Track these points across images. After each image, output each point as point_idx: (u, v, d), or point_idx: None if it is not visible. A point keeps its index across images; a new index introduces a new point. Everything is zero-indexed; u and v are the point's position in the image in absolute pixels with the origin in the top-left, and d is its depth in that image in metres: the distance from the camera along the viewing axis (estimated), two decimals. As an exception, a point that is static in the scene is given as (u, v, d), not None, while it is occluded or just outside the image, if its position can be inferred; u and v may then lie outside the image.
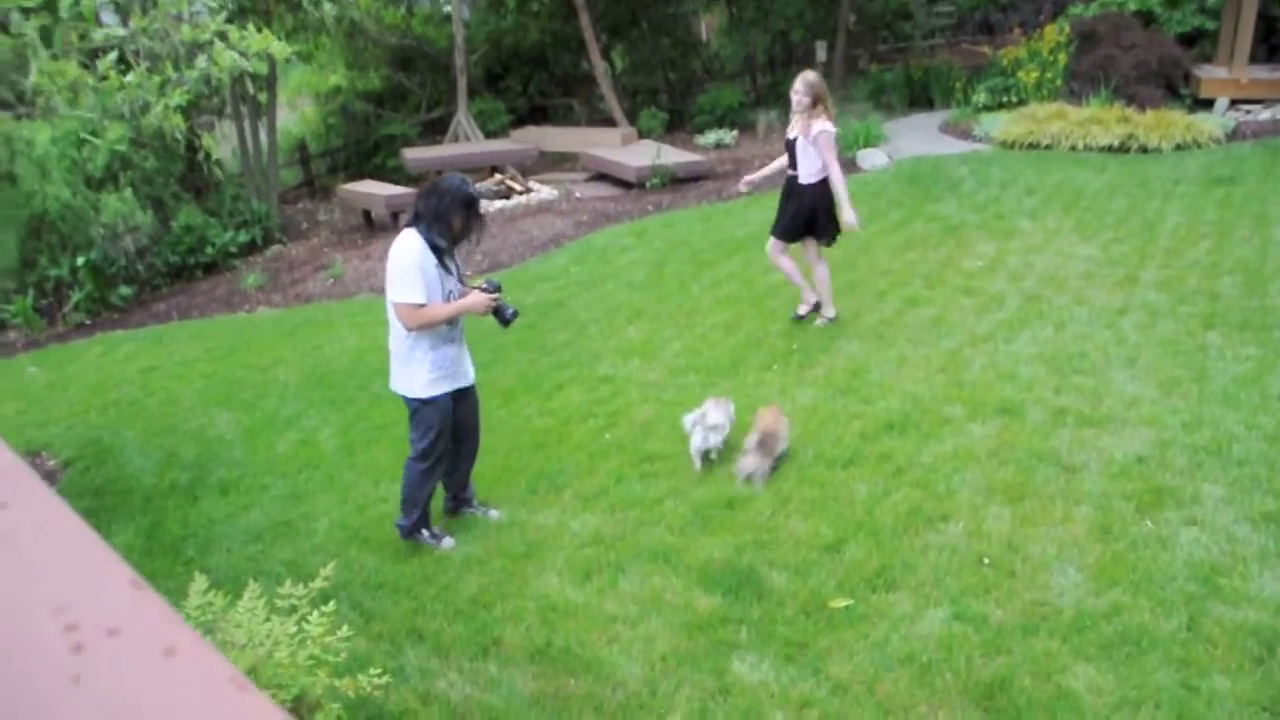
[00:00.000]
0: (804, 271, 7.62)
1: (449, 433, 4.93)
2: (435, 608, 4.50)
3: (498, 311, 4.78)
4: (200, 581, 3.51)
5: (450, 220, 4.61)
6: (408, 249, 4.53)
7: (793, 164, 7.18)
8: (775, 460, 5.35)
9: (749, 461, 5.23)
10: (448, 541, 5.09)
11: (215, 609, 3.46)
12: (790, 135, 7.14)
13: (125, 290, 12.12)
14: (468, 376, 5.01)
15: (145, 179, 12.93)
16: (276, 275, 12.40)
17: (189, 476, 6.39)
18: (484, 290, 4.73)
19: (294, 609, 3.47)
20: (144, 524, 5.76)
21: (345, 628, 3.39)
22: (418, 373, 4.71)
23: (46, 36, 4.77)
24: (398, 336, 4.69)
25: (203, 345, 9.56)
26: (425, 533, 5.11)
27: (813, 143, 6.97)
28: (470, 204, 4.65)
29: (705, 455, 5.53)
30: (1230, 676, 3.53)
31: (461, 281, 4.85)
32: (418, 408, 4.80)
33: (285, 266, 12.81)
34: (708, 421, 5.46)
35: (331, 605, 3.44)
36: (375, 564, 4.98)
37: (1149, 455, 5.16)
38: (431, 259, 4.58)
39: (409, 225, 4.65)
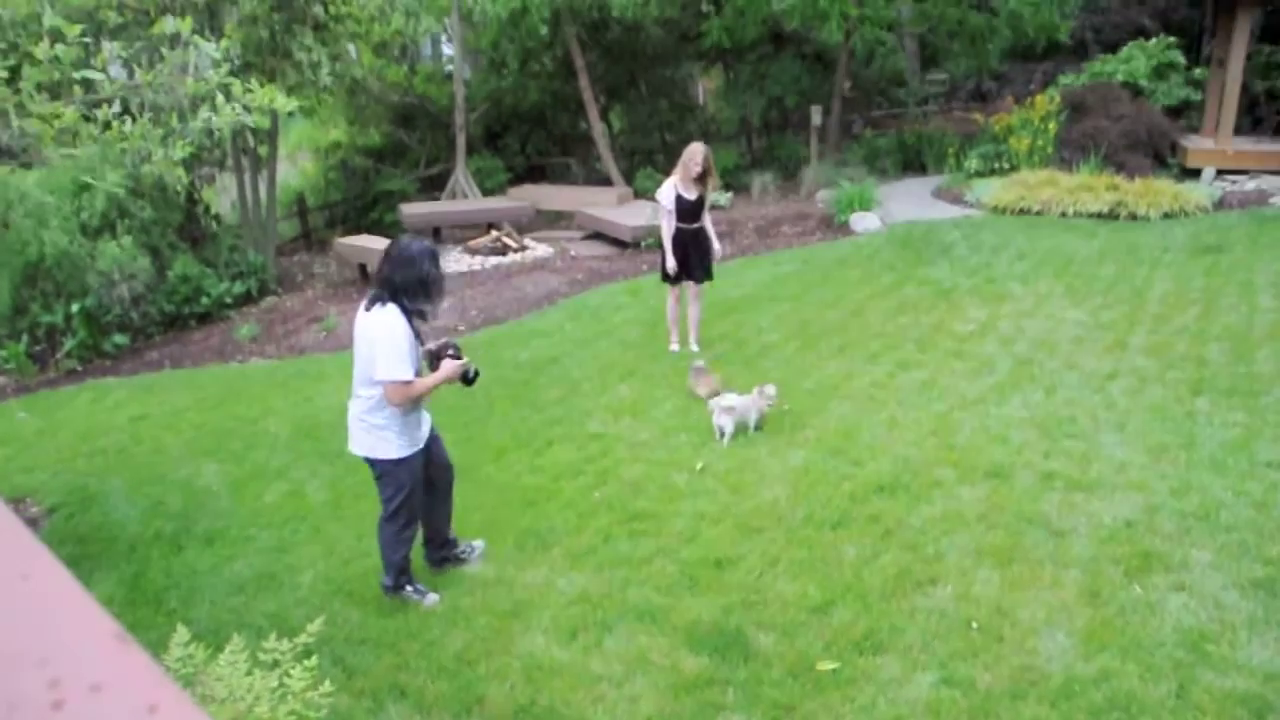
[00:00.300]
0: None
1: (420, 488, 4.93)
2: (419, 664, 4.46)
3: (464, 374, 4.85)
4: (182, 633, 3.48)
5: (430, 282, 4.61)
6: (393, 326, 4.52)
7: (696, 218, 8.48)
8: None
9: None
10: (431, 598, 5.04)
11: (196, 662, 3.43)
12: (690, 196, 8.39)
13: (119, 338, 12.13)
14: (429, 429, 5.03)
15: (142, 228, 12.98)
16: (270, 326, 12.42)
17: (174, 526, 6.35)
18: (451, 356, 4.78)
19: (276, 663, 3.44)
20: (127, 573, 5.72)
21: (327, 683, 3.35)
22: (387, 435, 4.70)
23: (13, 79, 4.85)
24: (367, 406, 4.67)
25: (193, 395, 9.55)
26: (410, 589, 5.06)
27: (709, 197, 8.61)
28: (435, 256, 4.68)
29: (722, 432, 6.62)
30: (1219, 746, 3.51)
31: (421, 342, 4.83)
32: (388, 469, 4.78)
33: (279, 318, 12.84)
34: (723, 403, 6.64)
35: (314, 660, 3.41)
36: (359, 618, 4.94)
37: (1137, 520, 5.17)
38: (410, 331, 4.60)
39: (381, 300, 4.59)
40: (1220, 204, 13.52)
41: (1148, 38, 18.41)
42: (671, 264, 8.51)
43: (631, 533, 5.52)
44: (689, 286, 8.77)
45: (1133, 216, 12.80)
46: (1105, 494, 5.50)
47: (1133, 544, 4.93)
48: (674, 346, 8.99)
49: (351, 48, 15.38)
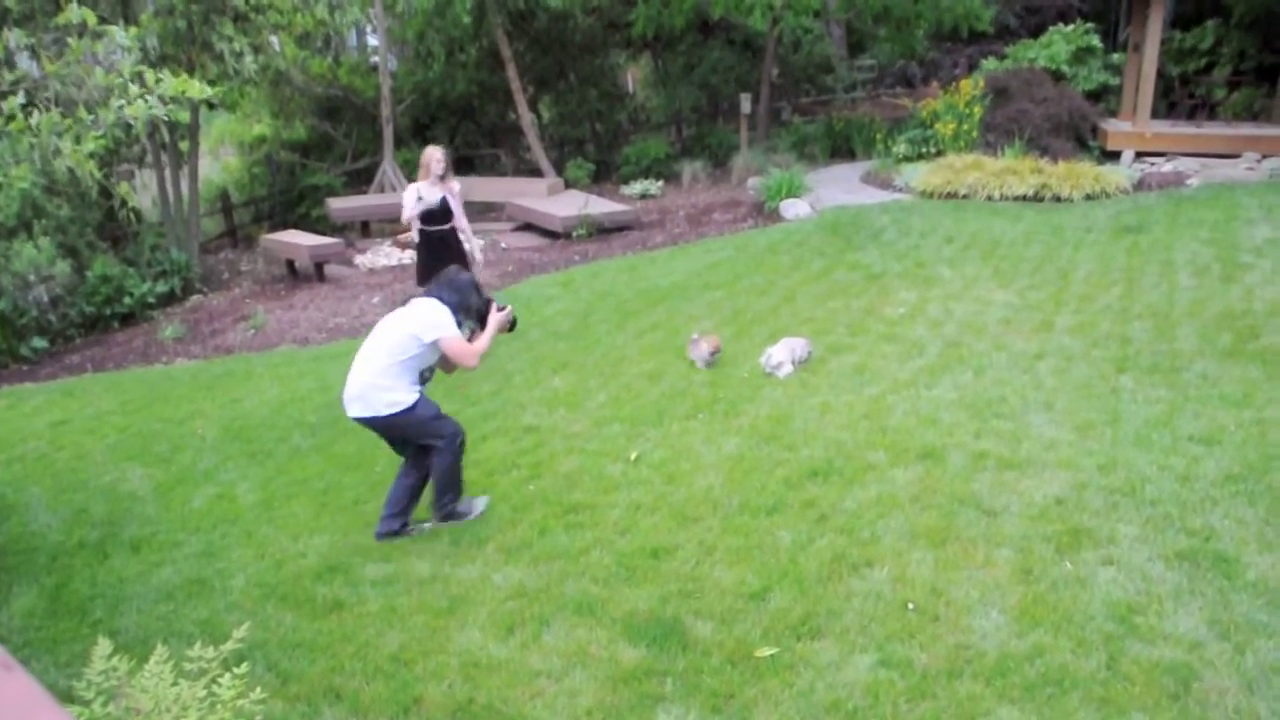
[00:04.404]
0: None
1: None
2: (354, 666, 4.37)
3: (511, 322, 5.64)
4: (104, 645, 3.36)
5: (472, 309, 5.44)
6: (442, 307, 5.30)
7: (446, 220, 8.78)
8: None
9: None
10: (481, 501, 5.79)
11: (120, 674, 3.31)
12: (433, 198, 8.64)
13: (37, 342, 11.75)
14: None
15: (59, 228, 12.61)
16: (196, 326, 12.14)
17: (99, 534, 6.15)
18: (499, 309, 5.52)
19: (204, 671, 3.34)
20: (49, 584, 5.53)
21: (259, 689, 3.26)
22: (400, 393, 5.23)
23: None
24: (390, 373, 5.21)
25: (117, 398, 9.28)
26: (461, 507, 5.66)
27: (455, 198, 8.82)
28: (479, 289, 5.59)
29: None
30: (1148, 713, 3.57)
31: None
32: (412, 413, 5.26)
33: (205, 317, 12.55)
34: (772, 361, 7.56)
35: (245, 666, 3.31)
36: (293, 622, 4.83)
37: (1067, 497, 5.25)
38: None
39: (425, 297, 5.41)
40: (1139, 185, 13.84)
41: (1068, 22, 18.77)
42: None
43: (567, 525, 5.48)
44: None
45: (1056, 199, 13.05)
46: (1035, 472, 5.58)
47: (1063, 521, 5.00)
48: None
49: (274, 39, 15.06)
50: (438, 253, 8.74)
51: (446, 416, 5.47)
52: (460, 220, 8.91)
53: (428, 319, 5.24)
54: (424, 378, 5.39)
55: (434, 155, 8.71)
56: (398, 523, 5.59)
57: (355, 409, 5.30)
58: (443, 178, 8.71)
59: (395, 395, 5.21)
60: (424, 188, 8.66)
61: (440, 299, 5.34)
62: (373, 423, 5.32)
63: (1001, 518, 5.10)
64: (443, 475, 5.51)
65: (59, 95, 5.23)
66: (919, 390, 6.99)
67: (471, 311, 5.42)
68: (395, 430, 5.41)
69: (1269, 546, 4.64)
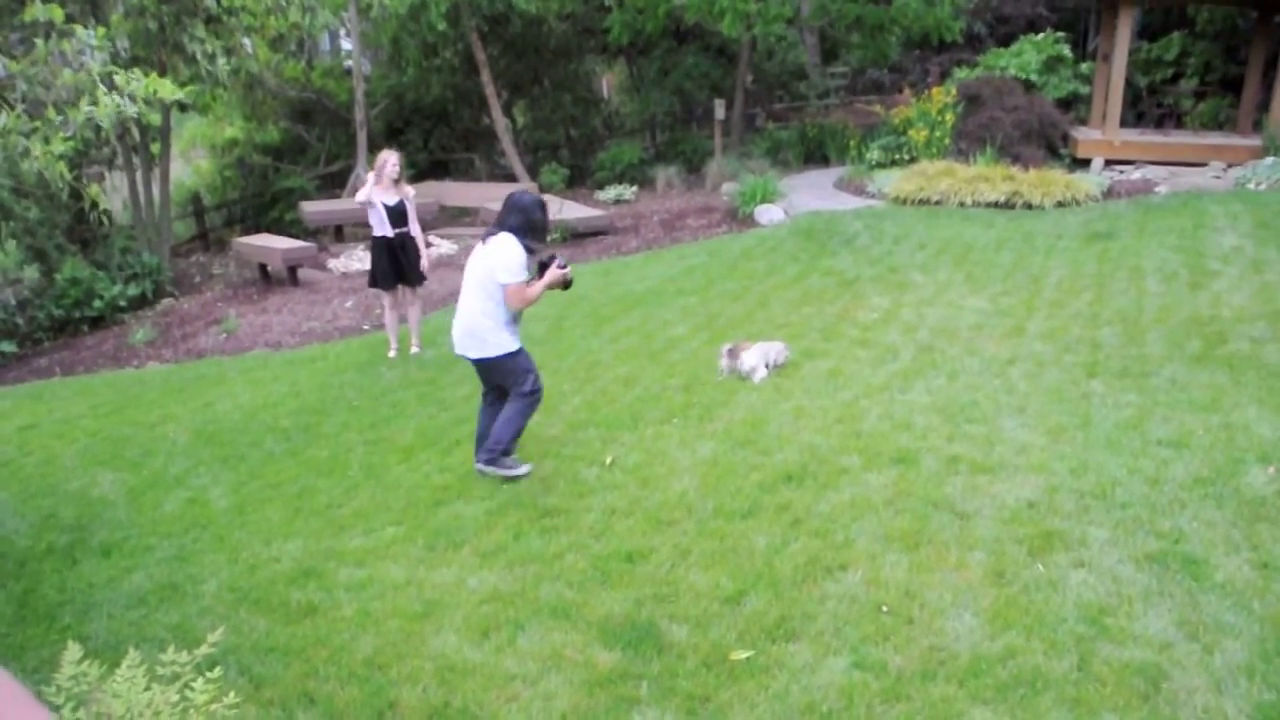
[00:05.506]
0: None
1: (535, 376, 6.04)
2: (328, 671, 4.33)
3: (565, 280, 5.90)
4: (73, 650, 3.32)
5: (538, 224, 5.81)
6: (511, 247, 5.65)
7: (403, 223, 8.81)
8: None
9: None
10: (526, 466, 6.10)
11: (90, 679, 3.27)
12: (390, 202, 8.67)
13: (5, 345, 11.61)
14: None
15: (27, 230, 12.47)
16: (167, 330, 12.03)
17: (68, 539, 6.08)
18: (559, 267, 5.84)
19: (177, 676, 3.31)
20: (16, 590, 5.45)
21: (233, 694, 3.23)
22: (503, 335, 5.80)
23: None
24: (489, 313, 5.76)
25: (87, 402, 9.18)
26: (509, 460, 6.04)
27: (410, 202, 8.88)
28: (544, 206, 5.90)
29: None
30: (1119, 714, 3.60)
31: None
32: (510, 360, 5.87)
33: (176, 321, 12.44)
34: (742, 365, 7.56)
35: (218, 671, 3.28)
36: (266, 626, 4.79)
37: (1038, 500, 5.29)
38: (524, 253, 5.70)
39: (494, 233, 5.75)
40: (1109, 193, 14.00)
41: (1038, 32, 18.96)
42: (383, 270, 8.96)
43: (542, 529, 5.47)
44: (405, 291, 9.23)
45: (1028, 206, 13.17)
46: (1007, 476, 5.62)
47: (1035, 524, 5.04)
48: (392, 353, 9.35)
49: (246, 42, 14.96)
50: (394, 256, 8.88)
51: (537, 372, 6.02)
52: (415, 226, 8.95)
53: (499, 259, 5.66)
54: (515, 316, 5.88)
55: (390, 159, 8.70)
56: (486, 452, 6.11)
57: (470, 349, 5.88)
58: (397, 182, 8.73)
59: (502, 337, 5.79)
60: (379, 192, 8.66)
61: (510, 229, 5.71)
62: (482, 362, 5.91)
63: (974, 521, 5.13)
64: (508, 421, 5.96)
65: (26, 95, 5.17)
66: (892, 395, 7.03)
67: (538, 229, 5.80)
68: (497, 372, 5.95)
69: (1236, 548, 4.70)
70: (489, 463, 6.04)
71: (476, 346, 5.85)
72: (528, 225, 5.76)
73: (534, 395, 6.00)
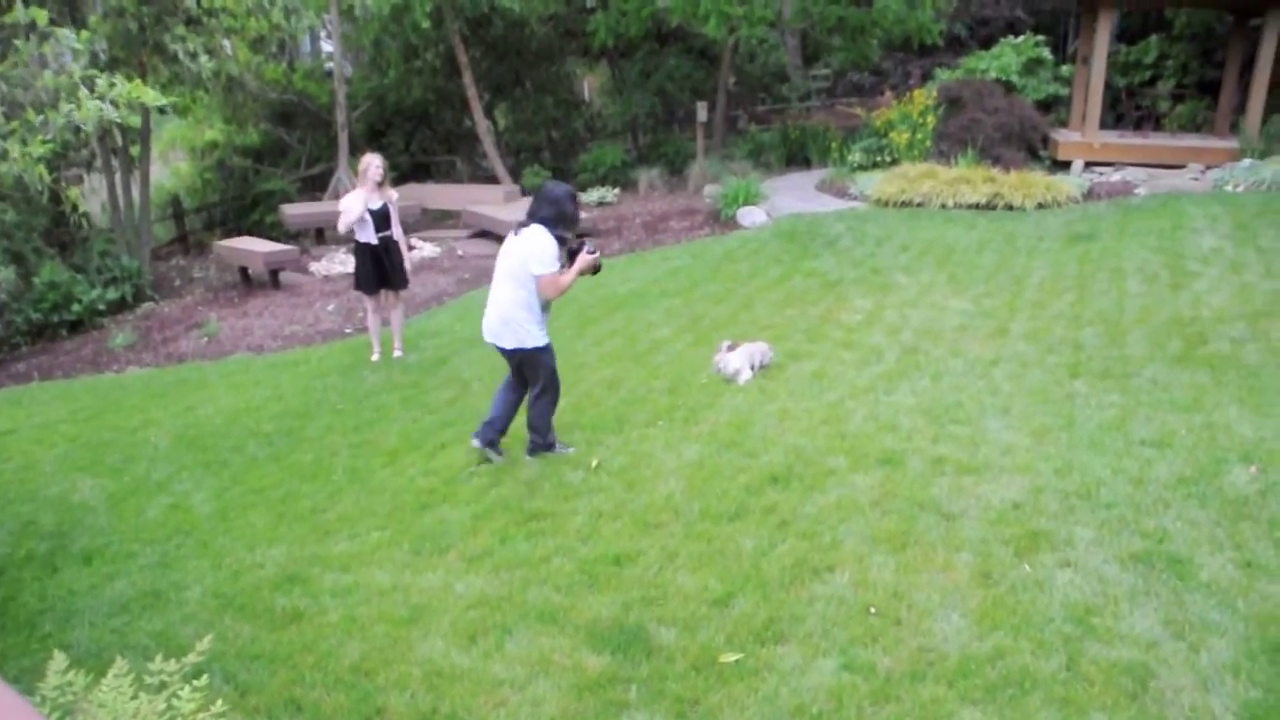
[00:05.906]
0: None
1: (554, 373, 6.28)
2: (315, 677, 4.30)
3: (595, 266, 6.06)
4: (59, 659, 3.28)
5: (569, 215, 5.93)
6: (546, 236, 5.82)
7: (386, 227, 8.75)
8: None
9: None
10: (570, 449, 6.46)
11: (76, 689, 3.24)
12: (374, 205, 8.61)
13: (-20, 351, 11.50)
14: None
15: (4, 232, 12.35)
16: (147, 334, 11.94)
17: (48, 546, 6.02)
18: (589, 253, 5.99)
19: (164, 685, 3.27)
20: (-5, 598, 5.40)
21: (219, 702, 3.20)
22: (534, 329, 5.99)
23: None
24: (521, 303, 5.93)
25: (66, 407, 9.10)
26: (558, 445, 6.45)
27: (394, 205, 8.86)
28: (575, 197, 6.05)
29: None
30: (1108, 713, 3.61)
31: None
32: (536, 355, 6.06)
33: (157, 325, 12.35)
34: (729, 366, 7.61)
35: (204, 679, 3.25)
36: (251, 633, 4.76)
37: (1024, 501, 5.31)
38: (556, 243, 5.86)
39: (527, 225, 5.92)
40: (1089, 194, 14.08)
41: (1017, 34, 19.07)
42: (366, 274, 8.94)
43: (529, 533, 5.45)
44: (388, 294, 9.20)
45: (1009, 207, 13.23)
46: (993, 477, 5.64)
47: (1020, 524, 5.06)
48: (375, 356, 9.35)
49: (227, 43, 14.88)
50: (377, 260, 8.86)
51: (555, 366, 6.25)
52: (398, 229, 8.95)
53: (532, 250, 5.84)
54: (546, 305, 6.05)
55: (373, 162, 8.68)
56: (494, 434, 6.43)
57: (503, 340, 6.05)
58: (381, 185, 8.72)
59: (533, 330, 5.98)
60: (364, 195, 8.65)
61: (542, 220, 5.86)
62: (514, 353, 6.10)
63: (960, 522, 5.15)
64: (539, 416, 6.30)
65: (5, 97, 5.12)
66: (877, 396, 7.04)
67: (569, 220, 5.93)
68: (527, 364, 6.15)
69: (1220, 547, 4.72)
70: (534, 452, 6.40)
71: (511, 336, 6.02)
72: (559, 217, 5.90)
73: (555, 387, 6.30)
